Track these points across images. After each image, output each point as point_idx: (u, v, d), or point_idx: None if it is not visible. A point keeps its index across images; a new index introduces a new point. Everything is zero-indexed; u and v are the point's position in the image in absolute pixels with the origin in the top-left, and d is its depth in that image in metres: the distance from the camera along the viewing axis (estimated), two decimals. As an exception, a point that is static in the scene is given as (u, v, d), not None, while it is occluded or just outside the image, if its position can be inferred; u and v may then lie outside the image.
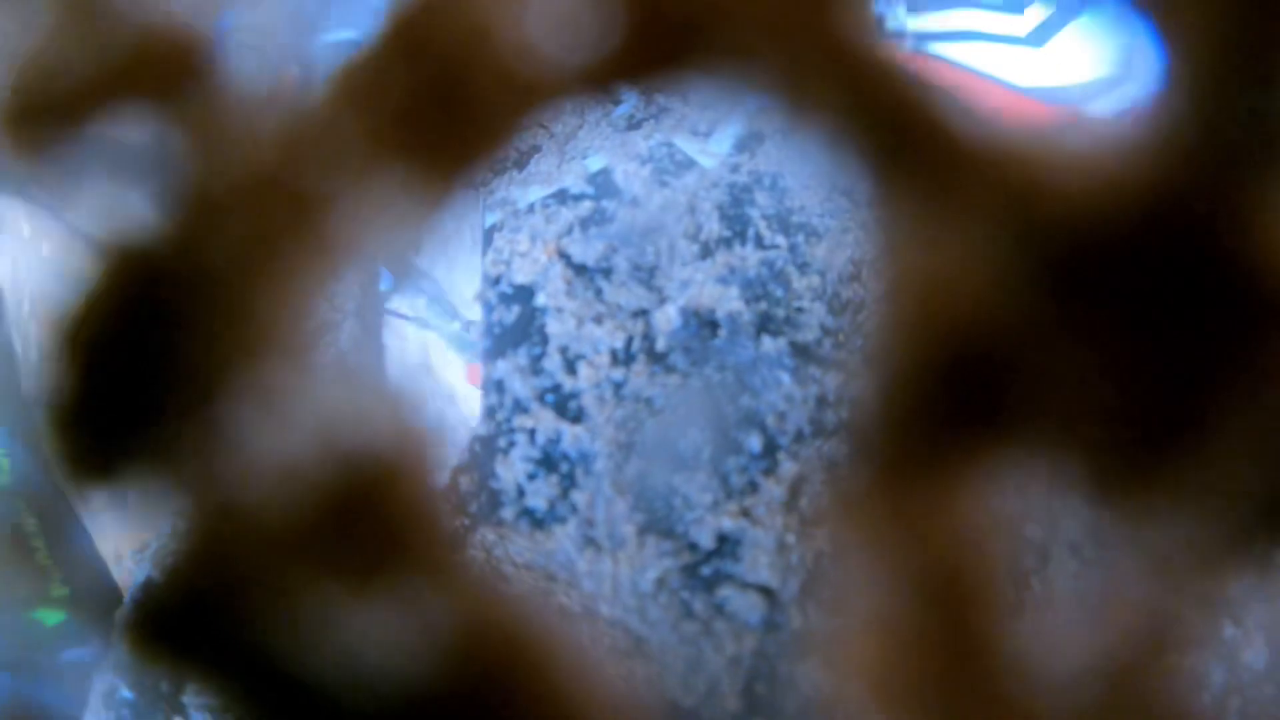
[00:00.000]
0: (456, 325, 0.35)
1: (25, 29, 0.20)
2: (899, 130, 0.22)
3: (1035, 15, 0.31)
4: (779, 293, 0.34)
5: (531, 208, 0.35)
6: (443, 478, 0.34)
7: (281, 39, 0.22)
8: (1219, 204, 0.21)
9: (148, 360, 0.22)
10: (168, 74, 0.21)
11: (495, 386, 0.35)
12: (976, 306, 0.22)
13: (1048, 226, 0.22)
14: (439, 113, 0.22)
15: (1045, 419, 0.22)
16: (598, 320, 0.35)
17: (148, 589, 0.22)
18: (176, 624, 0.22)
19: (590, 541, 0.34)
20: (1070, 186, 0.21)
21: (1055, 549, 0.33)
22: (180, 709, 0.31)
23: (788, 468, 0.34)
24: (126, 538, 0.23)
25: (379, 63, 0.22)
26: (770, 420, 0.34)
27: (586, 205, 0.35)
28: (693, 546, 0.34)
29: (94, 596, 0.23)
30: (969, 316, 0.22)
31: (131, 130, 0.21)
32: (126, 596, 0.22)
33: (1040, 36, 0.31)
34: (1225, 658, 0.31)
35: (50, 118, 0.21)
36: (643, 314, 0.35)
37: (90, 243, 0.21)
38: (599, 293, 0.35)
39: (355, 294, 0.34)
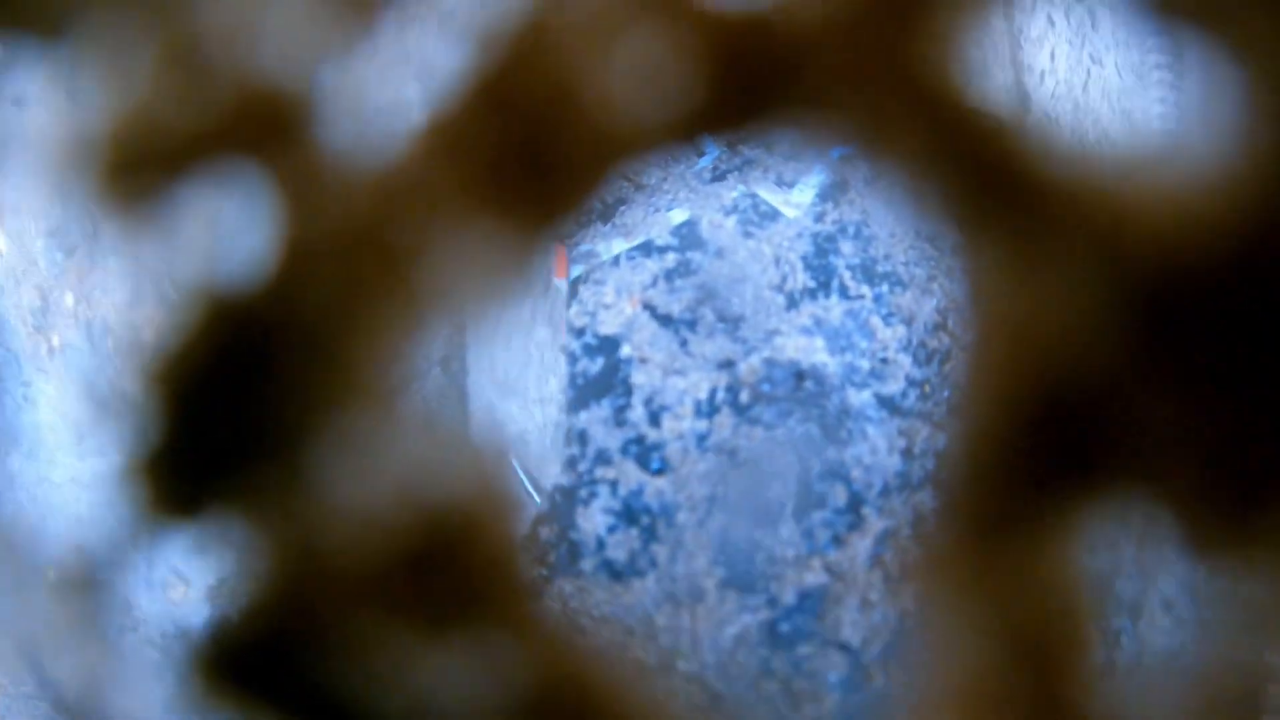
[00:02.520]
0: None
1: (127, 82, 0.21)
2: (983, 175, 0.22)
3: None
4: (864, 343, 0.34)
5: (617, 260, 0.35)
6: (523, 528, 0.34)
7: (375, 94, 0.22)
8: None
9: (236, 404, 0.22)
10: (264, 128, 0.21)
11: (578, 437, 0.35)
12: (1065, 354, 0.22)
13: (1137, 269, 0.21)
14: (526, 166, 0.22)
15: (1138, 469, 0.22)
16: (682, 372, 0.35)
17: (223, 628, 0.22)
18: (251, 664, 0.22)
19: (670, 595, 0.34)
20: (1160, 226, 0.21)
21: (1148, 605, 0.32)
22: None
23: (873, 523, 0.34)
24: (204, 577, 0.23)
25: (467, 117, 0.22)
26: (856, 474, 0.34)
27: (671, 257, 0.35)
28: (774, 602, 0.33)
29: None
30: (1058, 365, 0.22)
31: (229, 182, 0.22)
32: (200, 635, 0.22)
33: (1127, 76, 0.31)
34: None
35: (150, 170, 0.21)
36: (728, 365, 0.35)
37: (187, 291, 0.22)
38: (684, 344, 0.35)
39: (442, 344, 0.34)
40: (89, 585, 0.23)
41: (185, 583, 0.23)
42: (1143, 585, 0.31)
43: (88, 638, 0.23)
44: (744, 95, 0.22)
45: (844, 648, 0.33)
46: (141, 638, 0.23)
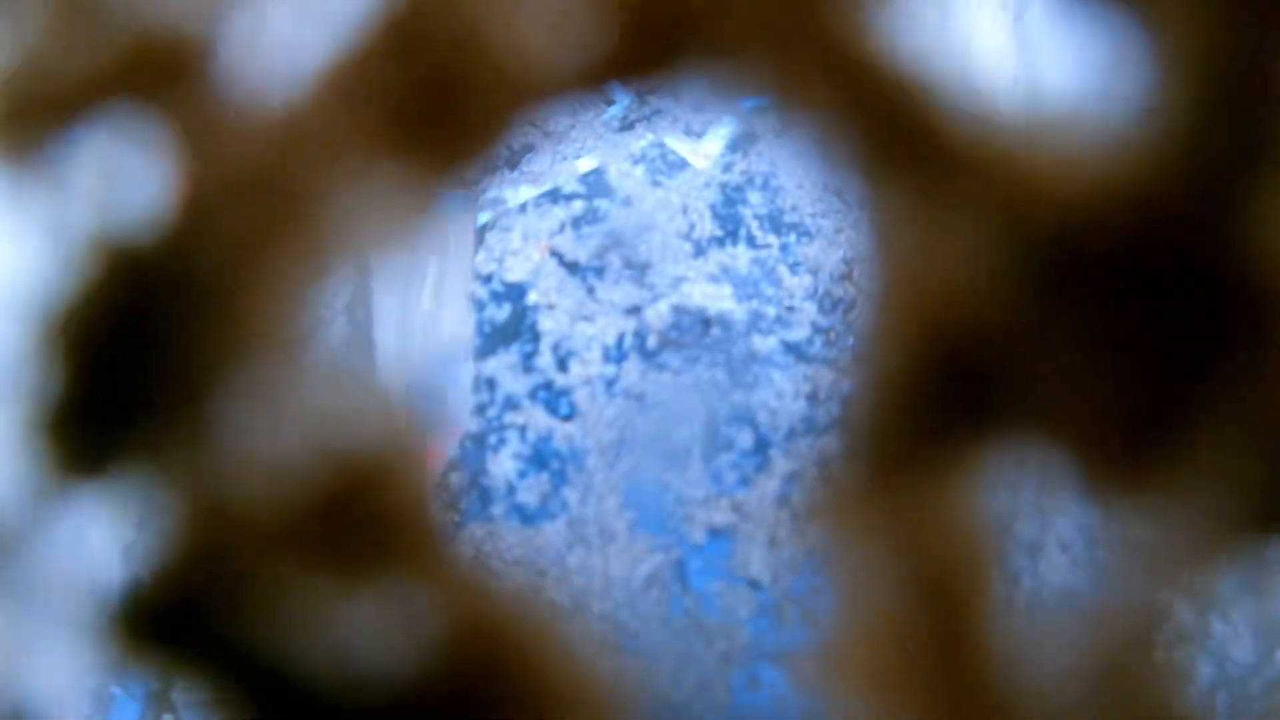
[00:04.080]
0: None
1: (17, 28, 0.20)
2: (891, 129, 0.22)
3: (1029, 16, 0.31)
4: (771, 291, 0.35)
5: (524, 207, 0.35)
6: (433, 475, 0.34)
7: (276, 36, 0.22)
8: (1208, 206, 0.21)
9: (138, 358, 0.22)
10: (160, 74, 0.21)
11: (486, 384, 0.35)
12: (966, 306, 0.22)
13: (1039, 226, 0.22)
14: (431, 111, 0.22)
15: (1035, 417, 0.22)
16: (590, 318, 0.35)
17: (136, 587, 0.22)
18: (166, 621, 0.22)
19: (581, 538, 0.34)
20: (1062, 187, 0.22)
21: (1046, 545, 0.33)
22: (170, 706, 0.31)
23: (779, 464, 0.34)
24: (114, 535, 0.23)
25: (370, 61, 0.22)
26: (762, 417, 0.34)
27: (579, 204, 0.35)
28: (684, 542, 0.34)
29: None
30: (959, 316, 0.22)
31: (123, 130, 0.21)
32: (113, 593, 0.22)
33: (1030, 36, 0.31)
34: (1214, 653, 0.31)
35: (42, 117, 0.21)
36: (635, 311, 0.35)
37: (82, 241, 0.21)
38: (591, 290, 0.35)
39: (347, 292, 0.34)
40: (-2, 551, 0.23)
41: (96, 542, 0.22)
42: (1041, 526, 0.32)
43: (0, 605, 0.22)
44: (654, 44, 0.22)
45: (754, 584, 0.33)
46: (55, 601, 0.22)
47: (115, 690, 0.31)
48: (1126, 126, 0.21)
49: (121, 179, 0.21)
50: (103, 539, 0.23)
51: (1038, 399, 0.22)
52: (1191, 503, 0.22)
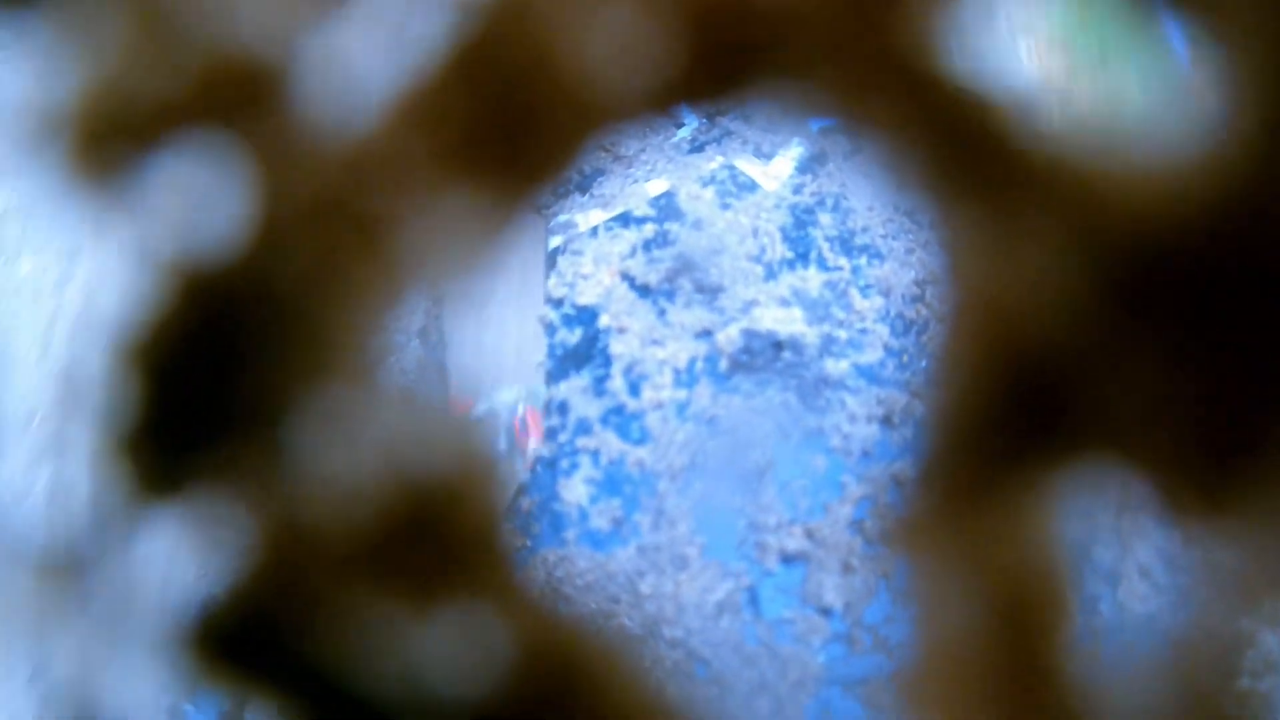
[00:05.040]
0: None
1: (99, 52, 0.21)
2: (961, 149, 0.22)
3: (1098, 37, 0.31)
4: (842, 314, 0.34)
5: (595, 231, 0.35)
6: (505, 500, 0.34)
7: (350, 63, 0.22)
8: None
9: (215, 380, 0.22)
10: (238, 98, 0.21)
11: (559, 408, 0.35)
12: (1041, 326, 0.22)
13: (1114, 243, 0.21)
14: (502, 136, 0.22)
15: (1112, 439, 0.22)
16: (661, 342, 0.35)
17: (212, 606, 0.22)
18: (240, 641, 0.22)
19: (653, 564, 0.34)
20: (1136, 202, 0.21)
21: (1126, 572, 0.32)
22: (243, 724, 0.32)
23: (853, 490, 0.34)
24: (190, 555, 0.23)
25: (443, 87, 0.22)
26: (835, 442, 0.34)
27: (650, 227, 0.35)
28: (756, 569, 0.34)
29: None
30: (1033, 336, 0.22)
31: (202, 154, 0.21)
32: (189, 613, 0.22)
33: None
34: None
35: (123, 141, 0.21)
36: (706, 335, 0.35)
37: (161, 265, 0.21)
38: (662, 314, 0.35)
39: (420, 316, 0.34)
40: (76, 569, 0.23)
41: (172, 562, 0.23)
42: (1120, 552, 0.32)
43: (78, 622, 0.23)
44: (723, 66, 0.22)
45: (826, 613, 0.33)
46: (132, 620, 0.23)
47: (188, 708, 0.31)
48: (1201, 141, 0.21)
49: (199, 203, 0.22)
50: (179, 559, 0.23)
51: (1115, 421, 0.21)
52: (1273, 525, 0.21)
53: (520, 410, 0.34)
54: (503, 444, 0.35)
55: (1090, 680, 0.21)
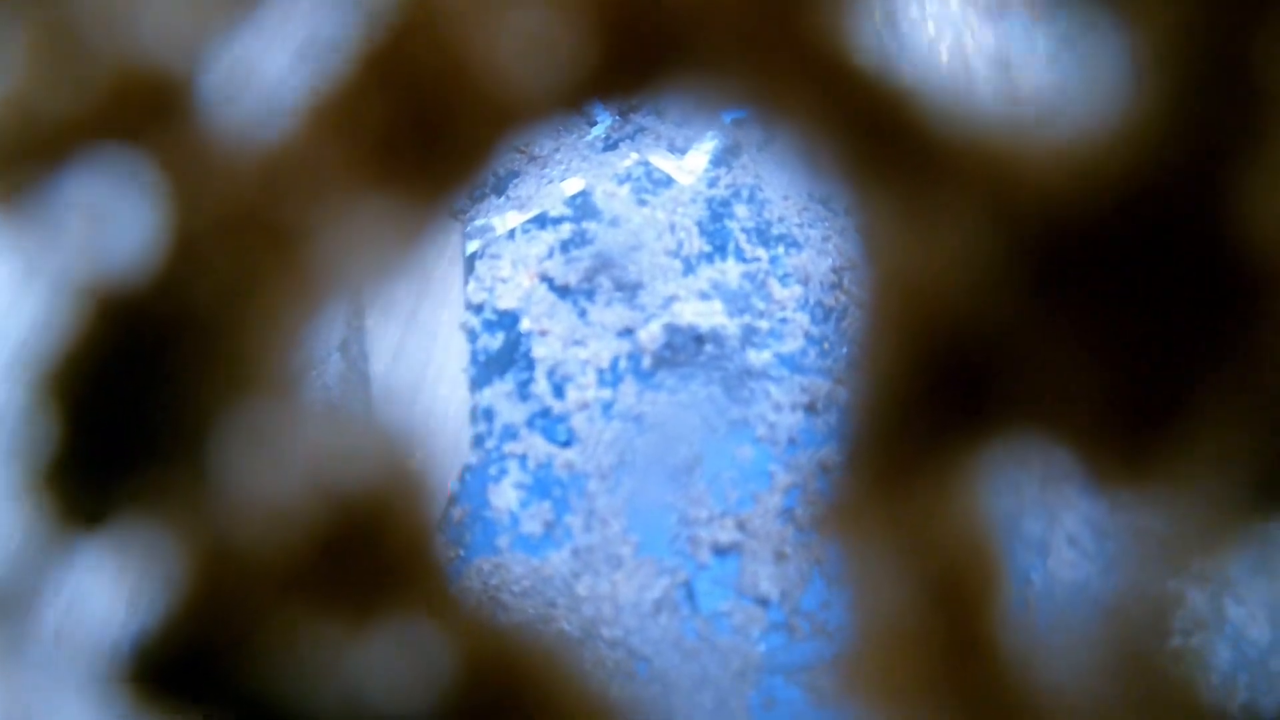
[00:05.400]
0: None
1: (0, 68, 0.20)
2: (874, 135, 0.22)
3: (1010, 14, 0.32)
4: (762, 304, 0.35)
5: (512, 233, 0.35)
6: (435, 510, 0.34)
7: (259, 72, 0.21)
8: (1197, 187, 0.21)
9: (133, 404, 0.21)
10: (145, 112, 0.21)
11: (484, 414, 0.35)
12: (960, 306, 0.22)
13: (1027, 221, 0.22)
14: (416, 140, 0.22)
15: (1035, 413, 0.22)
16: (583, 342, 0.35)
17: (145, 637, 0.22)
18: (177, 671, 0.22)
19: (588, 565, 0.34)
20: (1047, 179, 0.22)
21: (1055, 542, 0.33)
22: (186, 757, 0.31)
23: (781, 479, 0.34)
24: (119, 587, 0.22)
25: (353, 92, 0.22)
26: (761, 431, 0.34)
27: (567, 227, 0.35)
28: (690, 563, 0.34)
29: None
30: (953, 316, 0.22)
31: (110, 171, 0.21)
32: (121, 646, 0.22)
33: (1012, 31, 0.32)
34: (1230, 637, 0.31)
35: (27, 160, 0.20)
36: (628, 333, 0.35)
37: (72, 288, 0.21)
38: (583, 314, 0.35)
39: (340, 328, 0.34)
40: (3, 609, 0.22)
41: (100, 595, 0.22)
42: (1048, 523, 0.32)
43: (7, 663, 0.22)
44: (635, 62, 0.22)
45: (763, 602, 0.33)
46: (64, 657, 0.22)
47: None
48: (1108, 118, 0.21)
49: (109, 221, 0.21)
50: (107, 591, 0.23)
51: (1036, 395, 0.22)
52: (1197, 488, 0.22)
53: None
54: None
55: (1026, 649, 0.22)
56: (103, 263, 0.21)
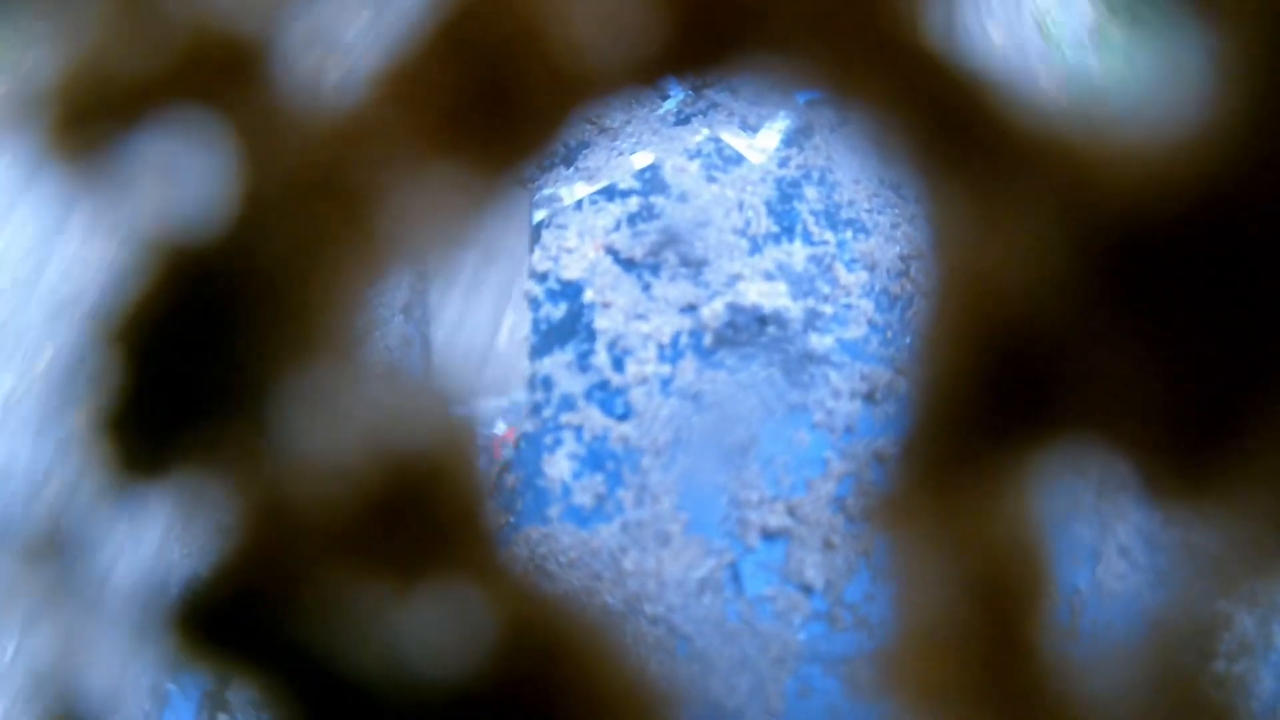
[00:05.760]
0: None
1: (77, 29, 0.20)
2: (948, 123, 0.22)
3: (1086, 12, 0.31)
4: (827, 289, 0.34)
5: (579, 204, 0.35)
6: (488, 476, 0.34)
7: (332, 36, 0.22)
8: (1275, 196, 0.21)
9: (197, 359, 0.22)
10: (219, 74, 0.21)
11: (542, 383, 0.35)
12: (1025, 303, 0.22)
13: (1100, 221, 0.21)
14: (486, 109, 0.22)
15: (1094, 418, 0.22)
16: (645, 316, 0.35)
17: (195, 585, 0.22)
18: (223, 620, 0.22)
19: (636, 540, 0.34)
20: (1121, 179, 0.21)
21: (1105, 551, 0.32)
22: (225, 705, 0.32)
23: (835, 466, 0.34)
24: (173, 535, 0.23)
25: (426, 60, 0.22)
26: (818, 417, 0.34)
27: (635, 201, 0.35)
28: (738, 545, 0.34)
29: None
30: (1017, 313, 0.22)
31: (184, 130, 0.21)
32: (172, 593, 0.22)
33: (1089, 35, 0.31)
34: (1276, 664, 0.31)
35: (103, 119, 0.21)
36: (690, 309, 0.34)
37: (143, 243, 0.21)
38: (647, 288, 0.35)
39: (404, 292, 0.34)
40: (60, 550, 0.23)
41: (155, 542, 0.23)
42: (1100, 532, 0.32)
43: (60, 603, 0.23)
44: (709, 38, 0.22)
45: (808, 590, 0.33)
46: (115, 600, 0.23)
47: (171, 688, 0.31)
48: (1187, 118, 0.21)
49: (181, 180, 0.21)
50: (162, 539, 0.23)
51: (1097, 400, 0.22)
52: (1254, 508, 0.21)
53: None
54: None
55: (1068, 658, 0.22)
56: (173, 220, 0.21)
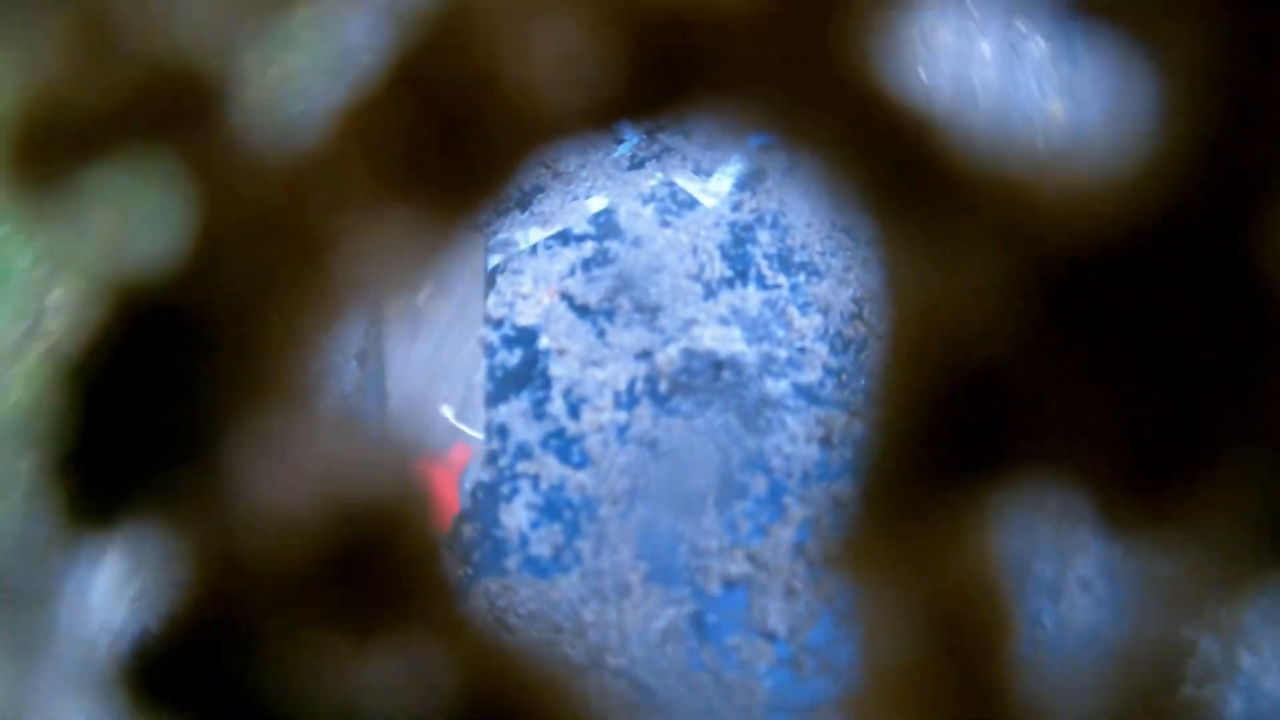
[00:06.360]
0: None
1: (32, 63, 0.20)
2: (898, 166, 0.22)
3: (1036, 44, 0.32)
4: (781, 333, 0.34)
5: (534, 249, 0.35)
6: (445, 526, 0.34)
7: (290, 76, 0.22)
8: (1222, 225, 0.21)
9: (149, 404, 0.21)
10: (176, 110, 0.21)
11: (498, 431, 0.34)
12: (978, 342, 0.22)
13: (1048, 256, 0.22)
14: (443, 152, 0.22)
15: (1051, 453, 0.22)
16: (600, 363, 0.35)
17: (146, 639, 0.21)
18: (174, 675, 0.21)
19: (595, 590, 0.33)
20: (1068, 217, 0.21)
21: (1067, 586, 0.32)
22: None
23: (794, 512, 0.34)
24: (124, 587, 0.22)
25: (382, 102, 0.22)
26: (776, 463, 0.34)
27: (589, 245, 0.35)
28: (699, 594, 0.33)
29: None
30: (970, 353, 0.22)
31: (139, 167, 0.21)
32: (123, 646, 0.21)
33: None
34: (1244, 688, 0.31)
35: (57, 154, 0.20)
36: (645, 355, 0.34)
37: (95, 282, 0.21)
38: (602, 334, 0.35)
39: (358, 338, 0.34)
40: (5, 600, 0.22)
41: (105, 594, 0.22)
42: (1061, 567, 0.32)
43: (6, 655, 0.22)
44: (663, 82, 0.22)
45: (771, 637, 0.33)
46: (63, 652, 0.22)
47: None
48: (1133, 152, 0.21)
49: (135, 218, 0.21)
50: (112, 590, 0.23)
51: (1053, 435, 0.22)
52: (1214, 535, 0.21)
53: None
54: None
55: (1036, 694, 0.21)
56: (126, 259, 0.21)
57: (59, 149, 0.20)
